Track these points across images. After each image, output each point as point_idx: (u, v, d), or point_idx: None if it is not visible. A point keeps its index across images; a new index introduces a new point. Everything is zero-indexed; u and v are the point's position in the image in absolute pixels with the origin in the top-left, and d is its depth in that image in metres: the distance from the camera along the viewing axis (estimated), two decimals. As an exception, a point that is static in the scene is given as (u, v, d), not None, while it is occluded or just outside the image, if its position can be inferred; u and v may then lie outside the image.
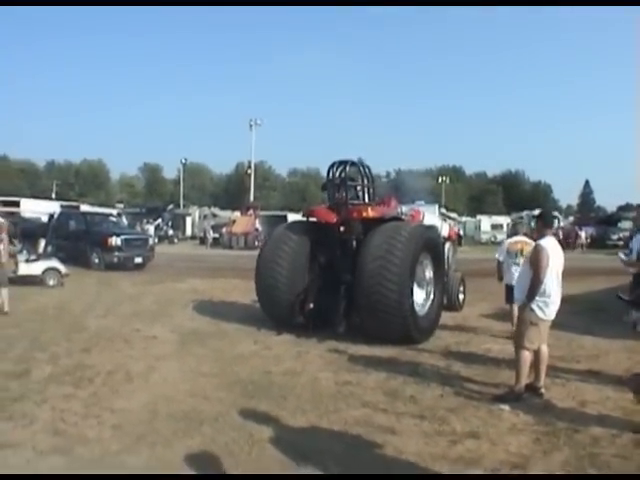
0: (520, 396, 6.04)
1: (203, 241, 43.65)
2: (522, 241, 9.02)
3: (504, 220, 54.57)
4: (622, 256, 8.80)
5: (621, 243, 36.36)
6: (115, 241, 20.00)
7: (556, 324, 8.07)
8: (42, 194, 56.33)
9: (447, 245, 12.26)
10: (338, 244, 9.47)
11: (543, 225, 6.38)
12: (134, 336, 8.90)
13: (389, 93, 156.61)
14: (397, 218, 9.85)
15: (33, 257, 14.84)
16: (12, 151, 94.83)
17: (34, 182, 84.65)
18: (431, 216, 11.97)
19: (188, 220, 54.15)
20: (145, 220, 40.59)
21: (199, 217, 53.32)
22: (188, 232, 53.10)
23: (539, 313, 6.03)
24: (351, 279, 8.72)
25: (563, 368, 7.27)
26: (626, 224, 41.92)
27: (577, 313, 11.35)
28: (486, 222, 57.20)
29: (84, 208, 35.02)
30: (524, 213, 51.04)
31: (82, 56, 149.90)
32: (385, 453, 4.61)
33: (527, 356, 6.12)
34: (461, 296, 12.32)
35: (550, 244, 6.12)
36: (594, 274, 19.74)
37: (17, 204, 31.69)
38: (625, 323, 8.85)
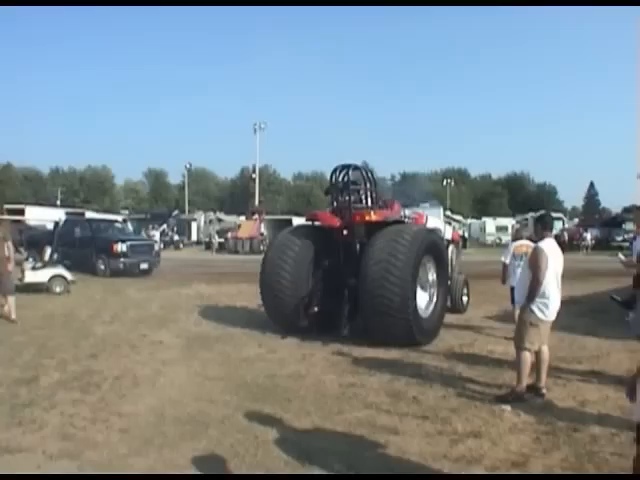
0: (521, 396, 6.11)
1: (209, 246, 43.79)
2: (527, 244, 9.10)
3: (509, 222, 54.62)
4: (622, 257, 8.87)
5: (626, 245, 36.34)
6: (121, 247, 20.11)
7: (559, 325, 8.16)
8: (47, 201, 56.38)
9: (450, 247, 12.35)
10: (341, 248, 9.55)
11: (542, 228, 6.45)
12: (140, 341, 9.00)
13: (394, 96, 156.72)
14: (400, 221, 9.92)
15: (39, 265, 14.96)
16: (16, 159, 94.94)
17: (39, 189, 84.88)
18: (434, 219, 12.03)
19: (193, 225, 54.28)
20: (150, 226, 40.68)
21: (204, 222, 53.42)
22: (194, 237, 53.23)
23: (539, 314, 6.11)
24: (355, 282, 8.80)
25: (565, 369, 7.34)
26: (630, 226, 41.84)
27: (580, 315, 11.42)
28: (491, 224, 57.27)
29: (89, 215, 35.14)
30: (529, 215, 50.97)
31: (85, 62, 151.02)
32: (388, 453, 4.69)
33: (528, 357, 6.19)
34: (465, 298, 12.39)
35: (549, 246, 6.20)
36: (598, 276, 19.79)
37: (22, 212, 31.81)
38: (627, 324, 8.92)
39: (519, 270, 8.85)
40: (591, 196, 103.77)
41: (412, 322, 8.36)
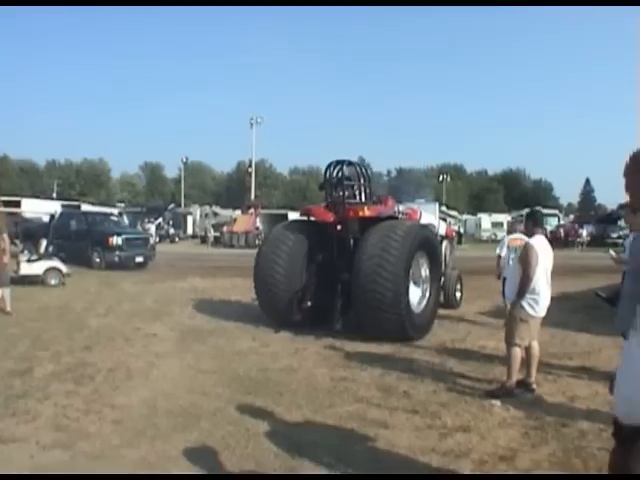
0: (511, 392, 6.15)
1: (204, 240, 43.83)
2: (521, 238, 9.20)
3: (504, 218, 54.67)
4: (612, 253, 8.93)
5: (620, 241, 36.48)
6: (116, 240, 20.16)
7: (552, 322, 8.23)
8: (43, 194, 56.35)
9: (444, 243, 12.41)
10: (335, 243, 9.60)
11: (533, 224, 6.51)
12: (134, 334, 9.03)
13: (390, 92, 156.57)
14: (393, 217, 9.97)
15: (34, 257, 14.98)
16: (13, 151, 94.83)
17: (35, 182, 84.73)
18: (428, 215, 12.08)
19: (189, 219, 54.29)
20: (146, 219, 40.68)
21: (200, 216, 53.44)
22: (189, 231, 53.26)
23: (529, 310, 6.17)
24: (348, 277, 8.85)
25: (556, 365, 7.40)
26: (626, 222, 41.95)
27: (573, 311, 11.49)
28: (486, 220, 57.38)
29: (85, 208, 35.09)
30: (524, 211, 51.09)
31: (82, 55, 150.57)
32: (377, 446, 4.74)
33: (518, 352, 6.25)
34: (458, 294, 12.45)
35: (539, 243, 6.26)
36: (592, 272, 19.85)
37: (18, 204, 31.74)
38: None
39: (512, 262, 8.95)
40: (587, 192, 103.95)
41: (404, 317, 8.42)
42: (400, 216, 10.44)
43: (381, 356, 7.84)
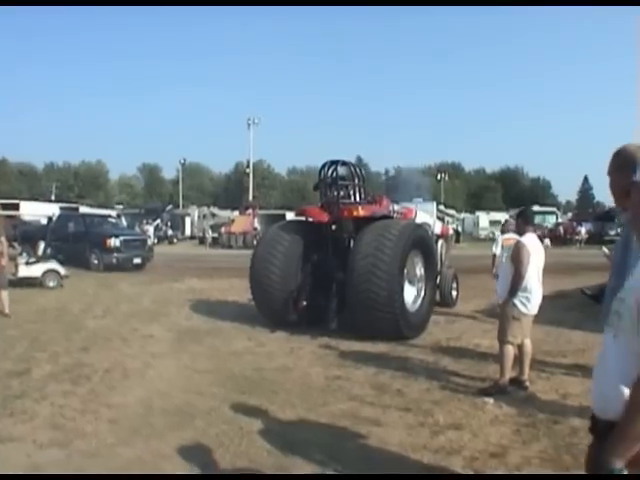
0: (504, 389, 6.19)
1: (202, 241, 43.88)
2: (514, 237, 9.26)
3: (502, 216, 54.59)
4: (605, 251, 8.99)
5: (618, 239, 36.46)
6: (114, 242, 20.21)
7: (547, 319, 8.29)
8: (41, 196, 56.37)
9: (440, 242, 12.49)
10: (330, 242, 9.67)
11: (524, 222, 6.57)
12: (131, 335, 9.09)
13: (387, 91, 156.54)
14: (388, 216, 10.03)
15: (33, 259, 15.03)
16: (11, 154, 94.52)
17: (33, 184, 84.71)
18: (423, 214, 12.15)
19: (187, 220, 54.30)
20: (144, 221, 40.75)
21: (198, 217, 53.46)
22: (187, 232, 53.25)
23: (521, 308, 6.21)
24: (343, 277, 8.91)
25: (549, 362, 7.44)
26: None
27: (568, 309, 11.53)
28: (484, 218, 57.36)
29: (83, 210, 35.16)
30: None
31: (80, 57, 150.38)
32: (369, 444, 4.80)
33: (510, 350, 6.30)
34: (454, 292, 12.51)
35: (531, 241, 6.32)
36: (589, 270, 19.85)
37: (17, 207, 31.82)
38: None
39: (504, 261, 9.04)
40: (585, 190, 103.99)
41: (399, 316, 8.47)
42: (395, 215, 10.51)
43: (376, 355, 7.90)
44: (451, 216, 54.16)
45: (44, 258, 15.27)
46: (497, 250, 10.09)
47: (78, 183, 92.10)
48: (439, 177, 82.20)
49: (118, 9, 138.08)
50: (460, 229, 53.04)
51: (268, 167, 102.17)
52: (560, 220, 52.29)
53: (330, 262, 9.51)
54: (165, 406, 5.69)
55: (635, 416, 1.84)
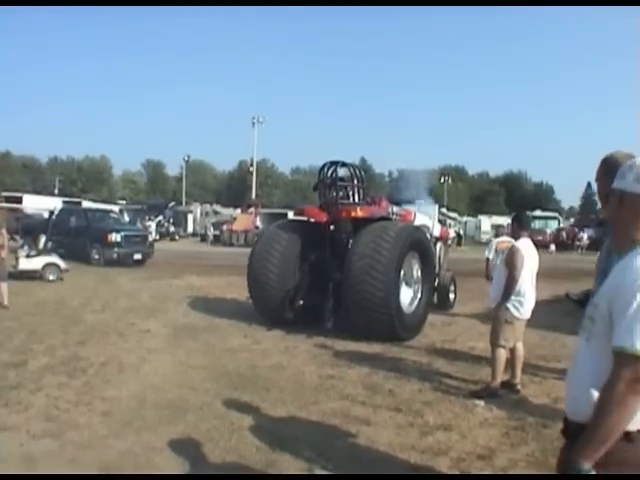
0: (496, 392, 6.23)
1: (204, 238, 43.93)
2: (508, 240, 9.31)
3: (504, 220, 54.58)
4: None
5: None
6: (115, 237, 20.25)
7: (543, 324, 8.33)
8: (45, 190, 56.42)
9: (439, 245, 12.53)
10: (328, 243, 9.73)
11: (518, 227, 6.61)
12: (129, 330, 9.15)
13: (392, 92, 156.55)
14: (386, 218, 10.08)
15: (33, 252, 15.10)
16: (15, 147, 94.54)
17: (37, 178, 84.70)
18: (422, 216, 12.18)
19: (190, 217, 54.36)
20: (147, 217, 40.81)
21: (201, 214, 53.54)
22: (189, 229, 53.31)
23: (514, 312, 6.25)
24: (340, 277, 8.95)
25: (543, 367, 7.47)
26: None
27: (566, 314, 11.47)
28: (486, 222, 57.32)
29: (86, 204, 35.25)
30: (524, 214, 51.13)
31: (86, 52, 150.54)
32: (357, 442, 4.85)
33: (502, 353, 6.34)
34: (452, 295, 12.54)
35: (525, 246, 6.37)
36: (589, 275, 19.78)
37: (20, 200, 31.94)
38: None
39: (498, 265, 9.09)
40: (588, 196, 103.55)
41: (395, 318, 8.52)
42: (394, 217, 10.55)
43: (370, 355, 7.94)
44: (453, 219, 54.26)
45: (45, 251, 15.35)
46: (490, 254, 10.12)
47: (81, 178, 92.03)
48: (442, 180, 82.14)
49: (125, 3, 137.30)
50: (462, 232, 53.06)
51: (272, 166, 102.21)
52: (562, 225, 52.26)
53: (328, 262, 9.56)
54: (158, 400, 5.75)
55: (602, 419, 1.89)
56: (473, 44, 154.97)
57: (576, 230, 46.62)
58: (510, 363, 6.52)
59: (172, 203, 57.11)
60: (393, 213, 10.70)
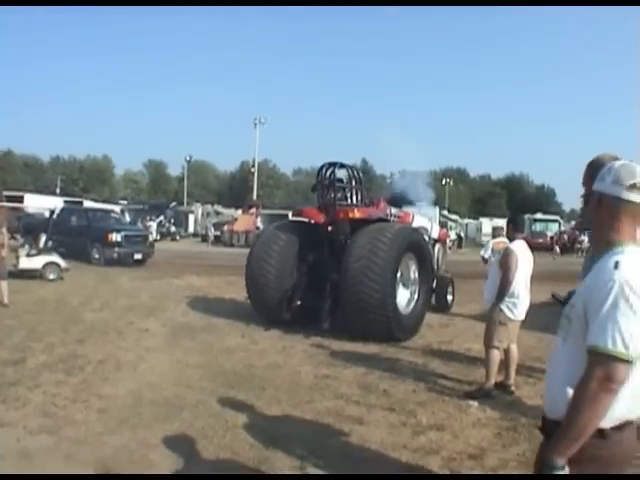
0: (489, 393, 6.29)
1: (205, 238, 43.95)
2: (504, 241, 9.37)
3: (505, 223, 54.53)
4: None
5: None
6: (115, 237, 20.28)
7: (540, 326, 8.35)
8: (46, 189, 56.55)
9: (437, 246, 12.59)
10: (326, 244, 9.79)
11: (513, 229, 6.68)
12: (127, 329, 9.22)
13: (394, 94, 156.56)
14: (384, 219, 10.14)
15: (34, 251, 15.15)
16: (17, 146, 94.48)
17: (39, 177, 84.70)
18: (421, 218, 12.24)
19: (191, 217, 54.33)
20: (148, 217, 40.81)
21: (202, 214, 53.52)
22: (190, 229, 53.29)
23: (508, 313, 6.31)
24: (337, 278, 9.00)
25: (538, 368, 7.47)
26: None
27: (564, 316, 11.59)
28: (487, 224, 57.27)
29: (87, 204, 35.31)
30: (525, 217, 51.18)
31: (89, 51, 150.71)
32: (350, 441, 4.91)
33: (496, 355, 6.39)
34: (449, 296, 12.58)
35: (519, 247, 6.42)
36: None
37: (21, 199, 32.04)
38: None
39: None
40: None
41: (391, 319, 8.57)
42: (392, 219, 10.61)
43: (366, 355, 8.00)
44: (454, 221, 54.28)
45: (45, 250, 15.39)
46: (486, 254, 10.19)
47: (83, 177, 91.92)
48: (444, 182, 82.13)
49: (127, 3, 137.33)
50: (463, 235, 53.09)
51: (273, 167, 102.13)
52: (563, 228, 52.28)
53: (325, 263, 9.62)
54: (154, 398, 5.81)
55: (576, 416, 1.95)
56: (475, 46, 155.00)
57: (577, 233, 46.60)
58: (504, 364, 6.57)
59: (173, 203, 57.06)
60: (391, 215, 10.76)
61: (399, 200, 14.57)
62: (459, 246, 45.56)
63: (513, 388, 6.52)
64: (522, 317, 6.48)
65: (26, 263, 14.70)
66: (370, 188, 34.51)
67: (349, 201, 10.30)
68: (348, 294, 8.66)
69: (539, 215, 54.01)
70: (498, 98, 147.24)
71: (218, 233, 42.59)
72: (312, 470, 4.31)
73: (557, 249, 39.84)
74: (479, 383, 6.57)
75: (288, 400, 5.90)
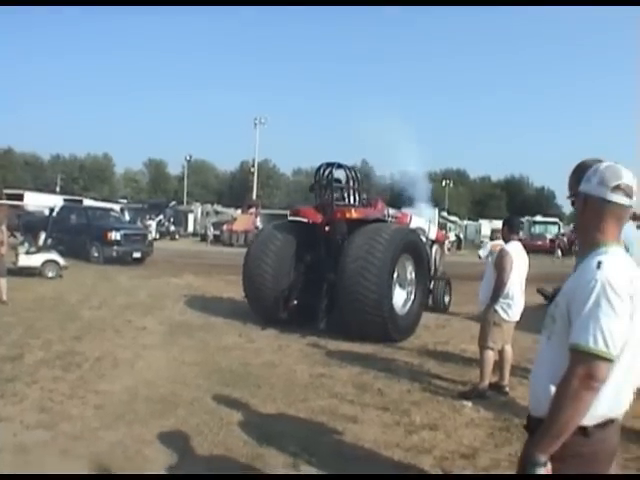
0: (484, 394, 6.32)
1: (204, 238, 43.94)
2: (501, 243, 9.42)
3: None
4: None
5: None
6: (114, 235, 20.33)
7: (537, 327, 8.33)
8: (47, 187, 56.57)
9: (434, 248, 12.61)
10: (323, 244, 9.82)
11: (509, 230, 6.71)
12: (125, 326, 9.26)
13: (394, 95, 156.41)
14: (381, 220, 10.17)
15: (33, 249, 15.18)
16: (17, 144, 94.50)
17: (39, 175, 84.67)
18: (418, 219, 12.27)
19: (190, 217, 54.32)
20: (147, 216, 40.81)
21: (201, 214, 53.52)
22: (190, 229, 53.25)
23: (502, 314, 6.35)
24: (334, 278, 9.03)
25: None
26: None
27: (560, 317, 11.62)
28: (487, 226, 57.31)
29: (87, 203, 35.34)
30: (524, 219, 51.21)
31: (90, 50, 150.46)
32: (343, 439, 4.96)
33: (491, 355, 6.43)
34: (447, 297, 12.61)
35: (515, 249, 6.46)
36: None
37: (21, 197, 32.08)
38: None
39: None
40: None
41: (387, 319, 8.60)
42: (389, 219, 10.65)
43: (362, 355, 8.03)
44: (453, 223, 54.29)
45: (44, 248, 15.42)
46: (484, 253, 10.24)
47: (83, 176, 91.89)
48: (444, 183, 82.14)
49: (128, 3, 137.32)
50: (462, 236, 53.10)
51: (273, 167, 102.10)
52: (562, 231, 52.29)
53: (322, 263, 9.66)
54: (150, 395, 5.86)
55: (557, 414, 1.99)
56: (475, 49, 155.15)
57: (574, 236, 46.61)
58: (498, 365, 6.61)
59: (173, 202, 57.05)
60: (389, 215, 10.80)
61: (403, 201, 14.63)
62: (458, 247, 45.57)
63: (507, 389, 6.55)
64: (517, 318, 6.52)
65: (25, 261, 14.73)
66: (370, 189, 34.55)
67: (346, 201, 10.33)
68: (345, 294, 8.70)
69: (539, 217, 54.02)
70: (498, 100, 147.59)
71: (217, 232, 42.58)
72: (305, 467, 4.35)
73: (559, 252, 39.80)
74: (473, 384, 6.59)
75: (283, 398, 5.94)
